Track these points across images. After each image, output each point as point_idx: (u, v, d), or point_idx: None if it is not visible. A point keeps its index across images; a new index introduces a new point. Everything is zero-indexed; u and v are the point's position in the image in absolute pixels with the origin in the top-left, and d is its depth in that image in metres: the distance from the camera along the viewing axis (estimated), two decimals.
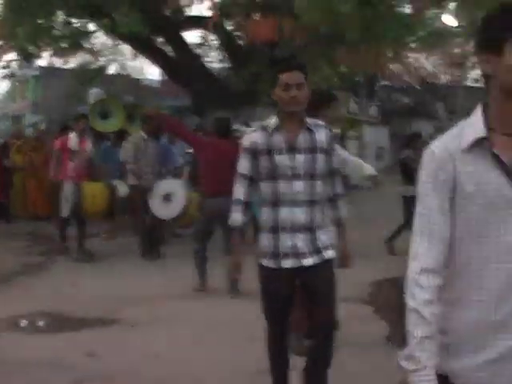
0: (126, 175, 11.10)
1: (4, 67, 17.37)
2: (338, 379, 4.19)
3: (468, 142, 2.07)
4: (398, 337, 6.53)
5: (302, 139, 4.17)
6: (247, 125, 12.07)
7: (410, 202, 10.61)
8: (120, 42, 19.69)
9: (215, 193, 7.84)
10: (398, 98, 45.05)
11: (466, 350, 2.08)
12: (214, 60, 22.12)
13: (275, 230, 4.16)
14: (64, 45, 17.84)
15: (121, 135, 12.47)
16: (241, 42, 20.01)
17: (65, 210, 10.11)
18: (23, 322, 6.92)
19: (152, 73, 47.96)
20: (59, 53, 18.52)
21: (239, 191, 4.26)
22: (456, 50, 29.12)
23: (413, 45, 24.09)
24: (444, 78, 40.03)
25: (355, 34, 14.60)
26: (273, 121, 4.23)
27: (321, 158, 4.19)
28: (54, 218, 12.79)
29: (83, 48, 19.06)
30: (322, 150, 4.20)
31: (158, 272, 9.25)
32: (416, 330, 2.05)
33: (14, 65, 17.77)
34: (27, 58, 16.92)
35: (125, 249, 11.11)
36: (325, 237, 4.24)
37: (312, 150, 4.17)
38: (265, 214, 4.23)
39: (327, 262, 4.23)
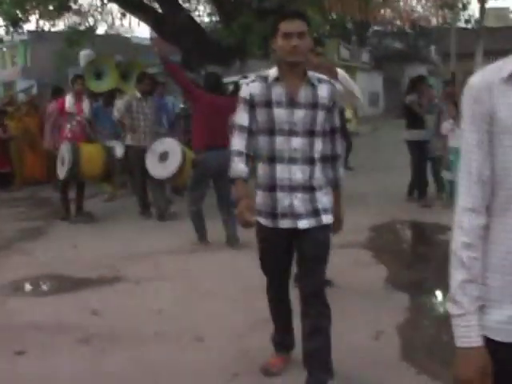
0: (120, 135, 11.16)
1: None
2: (338, 321, 4.24)
3: (508, 71, 1.93)
4: (397, 278, 6.70)
5: (303, 93, 3.92)
6: (245, 77, 11.96)
7: (414, 147, 10.58)
8: (107, 1, 19.53)
9: (208, 146, 7.86)
10: (390, 43, 44.93)
11: (497, 300, 1.97)
12: (203, 14, 22.00)
13: (272, 187, 3.97)
14: (51, 7, 17.69)
15: (112, 94, 12.36)
16: None
17: (62, 173, 9.96)
18: (26, 286, 7.00)
19: (141, 31, 47.57)
20: (47, 16, 18.32)
21: (239, 143, 4.00)
22: None
23: None
24: (435, 21, 39.70)
25: None
26: (273, 71, 3.99)
27: (321, 115, 3.95)
28: (54, 183, 12.98)
29: (71, 9, 18.89)
30: (323, 107, 3.95)
31: (159, 230, 9.36)
32: (456, 273, 1.99)
33: (2, 31, 17.57)
34: (15, 23, 16.73)
35: (124, 209, 11.22)
36: (325, 199, 4.03)
37: (313, 105, 3.92)
38: (261, 171, 4.04)
39: (324, 227, 4.02)
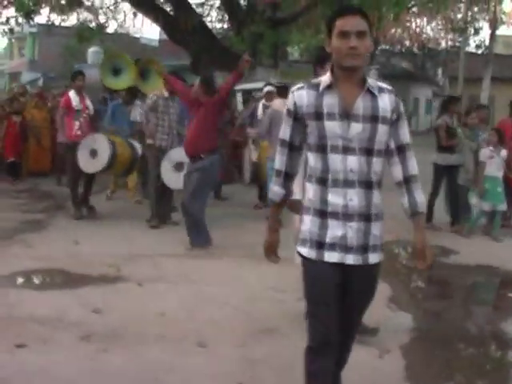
0: (136, 135, 11.05)
1: (3, 23, 17.17)
2: None
3: None
4: (402, 298, 6.67)
5: (361, 104, 3.29)
6: (269, 84, 11.88)
7: (442, 171, 10.05)
8: (120, 0, 19.56)
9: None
10: (398, 63, 45.05)
11: None
12: (215, 20, 22.02)
13: (323, 214, 3.33)
14: (63, 1, 17.71)
15: (133, 93, 11.87)
16: (242, 2, 19.89)
17: (92, 166, 9.85)
18: (26, 279, 6.93)
19: (150, 32, 47.71)
20: (58, 10, 18.32)
21: (279, 160, 3.52)
22: (458, 16, 28.95)
23: (414, 9, 23.98)
24: (444, 44, 39.82)
25: None
26: (325, 77, 3.36)
27: (382, 130, 3.32)
28: (58, 177, 13.25)
29: (83, 5, 18.91)
30: (384, 120, 3.32)
31: (164, 231, 9.33)
32: None
33: (13, 22, 17.53)
34: (27, 14, 16.71)
35: (127, 208, 11.24)
36: (378, 233, 3.39)
37: (372, 118, 3.30)
38: (310, 193, 3.39)
39: (373, 268, 3.40)
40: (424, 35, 30.39)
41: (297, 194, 3.81)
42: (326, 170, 3.32)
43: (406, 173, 3.44)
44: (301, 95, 3.37)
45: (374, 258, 3.36)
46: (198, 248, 8.18)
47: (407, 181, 3.44)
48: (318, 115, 3.31)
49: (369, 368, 4.75)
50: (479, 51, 41.53)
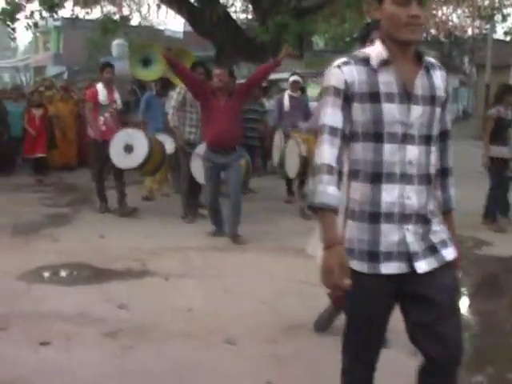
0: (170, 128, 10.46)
1: (27, 17, 17.13)
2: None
3: None
4: None
5: (420, 83, 2.76)
6: (295, 74, 11.59)
7: (497, 164, 9.62)
8: None
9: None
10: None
11: None
12: (239, 10, 21.87)
13: (373, 217, 2.76)
14: None
15: (166, 84, 11.29)
16: None
17: (128, 162, 9.50)
18: (51, 274, 6.85)
19: (174, 24, 47.71)
20: (82, 3, 18.28)
21: (329, 153, 2.69)
22: (485, 2, 28.53)
23: None
24: (471, 31, 39.29)
25: None
26: (376, 50, 2.76)
27: (438, 113, 2.82)
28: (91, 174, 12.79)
29: None
30: (439, 101, 2.82)
31: (188, 225, 9.20)
32: None
33: (37, 15, 17.51)
34: (51, 8, 16.69)
35: (156, 201, 11.18)
36: (440, 228, 2.86)
37: (431, 99, 2.78)
38: (356, 193, 2.80)
39: (449, 266, 2.82)
40: (450, 23, 30.00)
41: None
42: (380, 162, 2.73)
43: (445, 164, 3.00)
44: (350, 71, 2.72)
45: (448, 253, 2.82)
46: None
47: (444, 173, 3.01)
48: (374, 96, 2.71)
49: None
50: (507, 38, 40.95)
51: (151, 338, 4.99)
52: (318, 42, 35.15)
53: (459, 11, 29.03)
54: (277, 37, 17.12)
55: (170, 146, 10.18)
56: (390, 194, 2.74)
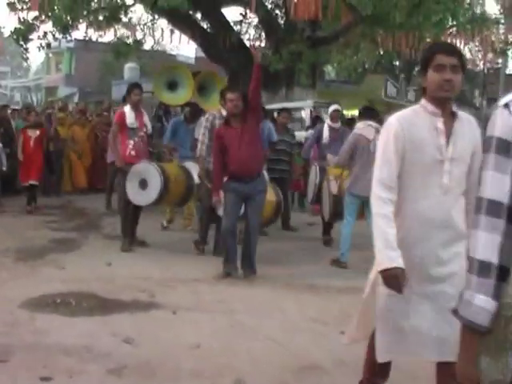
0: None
1: (40, 38, 17.12)
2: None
3: None
4: None
5: None
6: (335, 103, 11.20)
7: None
8: (157, 16, 19.43)
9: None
10: None
11: None
12: (253, 38, 21.82)
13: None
14: (101, 17, 17.66)
15: (197, 109, 10.77)
16: (280, 21, 19.73)
17: (142, 198, 8.91)
18: (55, 303, 6.58)
19: (186, 49, 47.89)
20: (96, 26, 18.28)
21: (485, 244, 1.97)
22: (497, 37, 28.51)
23: (452, 30, 23.63)
24: (482, 65, 39.36)
25: (402, 15, 14.32)
26: None
27: None
28: (107, 202, 12.67)
29: (120, 21, 18.84)
30: None
31: (198, 257, 8.92)
32: None
33: (50, 36, 17.51)
34: (64, 29, 16.68)
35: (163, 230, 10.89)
36: None
37: None
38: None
39: None
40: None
41: None
42: None
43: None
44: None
45: None
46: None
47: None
48: None
49: None
50: None
51: (158, 377, 4.75)
52: (330, 72, 35.20)
53: (470, 45, 29.06)
54: (290, 65, 17.06)
55: (196, 173, 9.37)
56: None
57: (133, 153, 8.99)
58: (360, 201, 8.20)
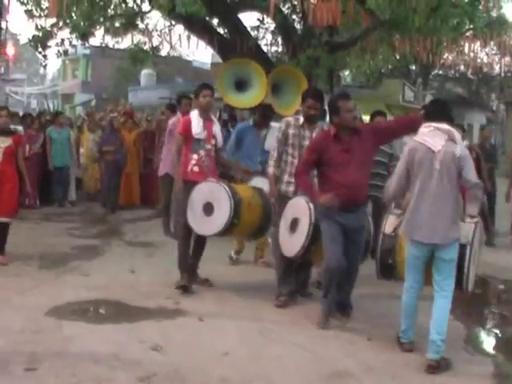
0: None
1: (58, 45, 17.19)
2: None
3: None
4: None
5: None
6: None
7: None
8: (174, 22, 19.44)
9: None
10: (452, 88, 44.40)
11: None
12: (270, 43, 21.79)
13: None
14: (117, 24, 17.72)
15: (268, 112, 8.80)
16: (297, 26, 19.69)
17: (204, 226, 7.08)
18: (82, 311, 6.55)
19: (202, 55, 48.01)
20: (112, 32, 18.33)
21: None
22: None
23: (469, 33, 23.58)
24: (498, 68, 39.24)
25: (421, 19, 14.27)
26: None
27: None
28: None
29: (136, 28, 18.88)
30: None
31: (223, 263, 8.77)
32: None
33: (67, 43, 17.59)
34: (82, 36, 16.73)
35: None
36: None
37: None
38: None
39: None
40: (478, 60, 29.88)
41: None
42: None
43: None
44: None
45: None
46: None
47: None
48: None
49: None
50: None
51: None
52: (346, 76, 35.13)
53: (488, 48, 28.96)
54: (308, 70, 17.01)
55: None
56: None
57: (196, 169, 7.32)
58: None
